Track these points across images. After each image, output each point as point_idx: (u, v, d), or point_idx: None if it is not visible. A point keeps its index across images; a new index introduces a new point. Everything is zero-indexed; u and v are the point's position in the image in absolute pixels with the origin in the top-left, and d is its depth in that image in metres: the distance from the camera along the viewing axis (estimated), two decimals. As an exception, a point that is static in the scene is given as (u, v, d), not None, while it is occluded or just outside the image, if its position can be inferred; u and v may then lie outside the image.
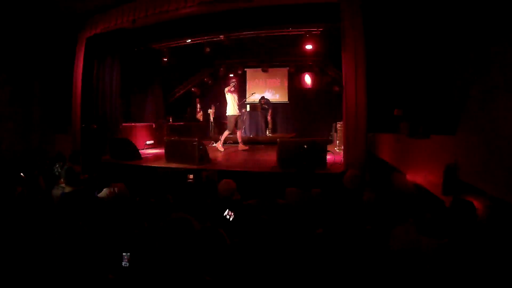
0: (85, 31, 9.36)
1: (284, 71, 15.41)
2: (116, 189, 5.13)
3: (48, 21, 8.98)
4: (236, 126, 10.55)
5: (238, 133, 10.90)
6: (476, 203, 2.95)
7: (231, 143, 12.03)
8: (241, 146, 10.96)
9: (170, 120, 14.31)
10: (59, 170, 5.47)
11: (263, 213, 3.31)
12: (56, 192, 4.84)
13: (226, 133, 10.64)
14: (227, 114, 10.50)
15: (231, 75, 15.56)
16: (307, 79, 15.27)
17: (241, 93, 16.11)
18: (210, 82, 15.87)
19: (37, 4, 8.42)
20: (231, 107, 10.38)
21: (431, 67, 4.94)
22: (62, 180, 4.94)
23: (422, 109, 5.32)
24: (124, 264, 2.91)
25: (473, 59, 3.71)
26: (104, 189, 5.12)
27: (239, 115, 10.66)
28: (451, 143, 4.10)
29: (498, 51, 3.16)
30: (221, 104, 16.38)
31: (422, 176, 5.01)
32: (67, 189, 4.73)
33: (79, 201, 4.01)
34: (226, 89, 10.42)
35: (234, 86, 10.51)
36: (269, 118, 14.63)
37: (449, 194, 3.69)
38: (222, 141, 10.81)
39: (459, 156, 3.79)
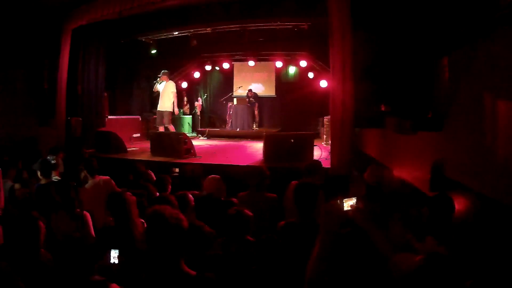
0: (71, 22, 9.20)
1: (272, 64, 15.30)
2: (101, 182, 5.09)
3: (33, 11, 8.72)
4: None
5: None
6: (462, 200, 2.93)
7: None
8: None
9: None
10: (53, 161, 5.61)
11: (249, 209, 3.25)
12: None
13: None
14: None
15: (217, 68, 15.44)
16: (295, 73, 15.21)
17: (229, 87, 16.01)
18: (196, 75, 15.69)
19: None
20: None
21: (419, 62, 4.92)
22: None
23: (409, 105, 5.31)
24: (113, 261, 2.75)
25: (462, 57, 3.69)
26: (90, 181, 5.08)
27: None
28: (438, 140, 4.08)
29: (486, 47, 3.13)
30: (209, 96, 16.36)
31: (408, 172, 5.01)
32: (43, 181, 4.74)
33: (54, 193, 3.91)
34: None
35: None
36: (256, 112, 14.52)
37: (436, 191, 3.68)
38: None
39: (446, 153, 3.77)
